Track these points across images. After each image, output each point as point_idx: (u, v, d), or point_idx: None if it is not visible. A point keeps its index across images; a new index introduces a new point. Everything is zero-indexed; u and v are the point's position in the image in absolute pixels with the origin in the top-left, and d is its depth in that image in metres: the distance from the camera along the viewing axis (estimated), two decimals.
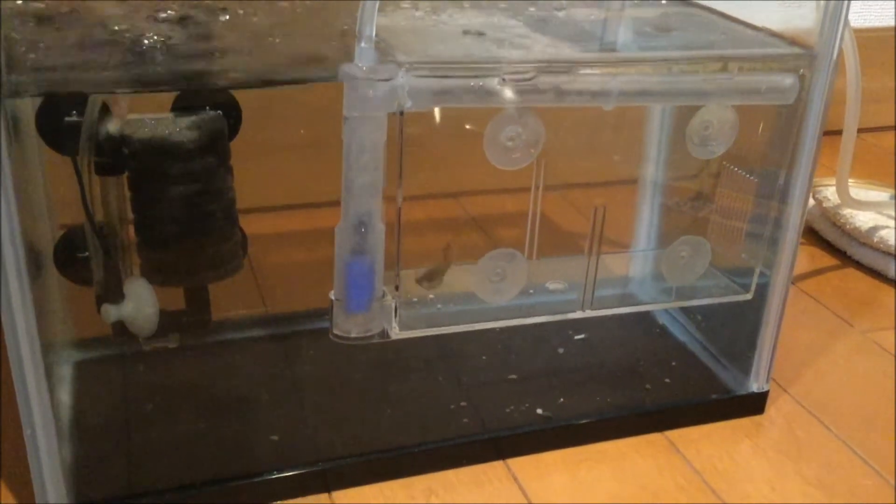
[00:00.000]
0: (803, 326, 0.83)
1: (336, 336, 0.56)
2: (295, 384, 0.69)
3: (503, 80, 0.53)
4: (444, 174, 0.69)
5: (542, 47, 0.55)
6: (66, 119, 0.53)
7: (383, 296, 0.56)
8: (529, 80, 0.53)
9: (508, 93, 0.53)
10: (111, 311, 0.56)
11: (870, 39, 1.21)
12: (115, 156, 0.55)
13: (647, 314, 0.79)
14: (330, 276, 0.55)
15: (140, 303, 0.57)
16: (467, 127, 0.56)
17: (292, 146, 0.85)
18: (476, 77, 0.52)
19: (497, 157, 0.56)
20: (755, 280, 0.66)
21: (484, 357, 0.73)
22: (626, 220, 0.82)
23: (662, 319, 0.79)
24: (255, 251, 0.65)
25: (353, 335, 0.56)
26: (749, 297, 0.66)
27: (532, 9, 0.60)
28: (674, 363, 0.74)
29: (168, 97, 0.56)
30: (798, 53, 0.60)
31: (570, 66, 0.54)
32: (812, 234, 1.00)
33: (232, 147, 0.57)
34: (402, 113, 0.51)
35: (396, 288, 0.57)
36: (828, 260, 0.96)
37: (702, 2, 0.67)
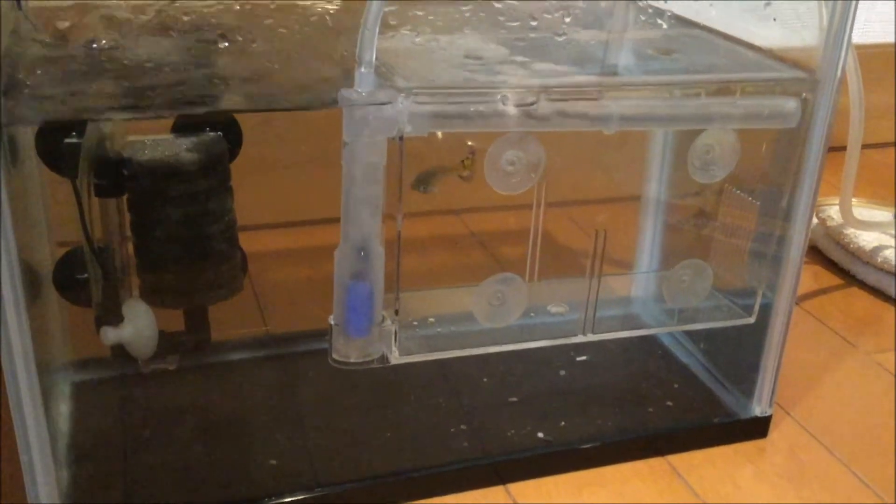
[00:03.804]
0: (807, 347, 0.82)
1: (335, 361, 0.56)
2: (294, 407, 0.68)
3: (503, 105, 0.52)
4: (444, 191, 0.69)
5: (544, 72, 0.55)
6: (66, 141, 0.53)
7: (383, 320, 0.56)
8: (530, 105, 0.53)
9: (509, 118, 0.53)
10: (110, 334, 0.56)
11: (874, 56, 1.21)
12: (115, 178, 0.55)
13: (649, 335, 0.79)
14: (331, 295, 0.55)
15: (139, 325, 0.56)
16: (469, 144, 0.56)
17: (293, 163, 0.85)
18: (476, 102, 0.52)
19: (498, 181, 0.55)
20: (758, 303, 0.65)
21: (485, 379, 0.72)
22: (628, 240, 0.81)
23: (665, 341, 0.79)
24: (255, 269, 0.64)
25: (352, 360, 0.56)
26: (751, 320, 0.66)
27: (533, 34, 0.60)
28: (676, 386, 0.73)
29: (168, 118, 0.56)
30: (800, 77, 0.59)
31: (571, 91, 0.54)
32: (816, 254, 0.99)
33: (233, 164, 0.57)
34: (401, 138, 0.51)
35: (396, 312, 0.56)
36: (832, 279, 0.95)
37: (703, 22, 0.67)
